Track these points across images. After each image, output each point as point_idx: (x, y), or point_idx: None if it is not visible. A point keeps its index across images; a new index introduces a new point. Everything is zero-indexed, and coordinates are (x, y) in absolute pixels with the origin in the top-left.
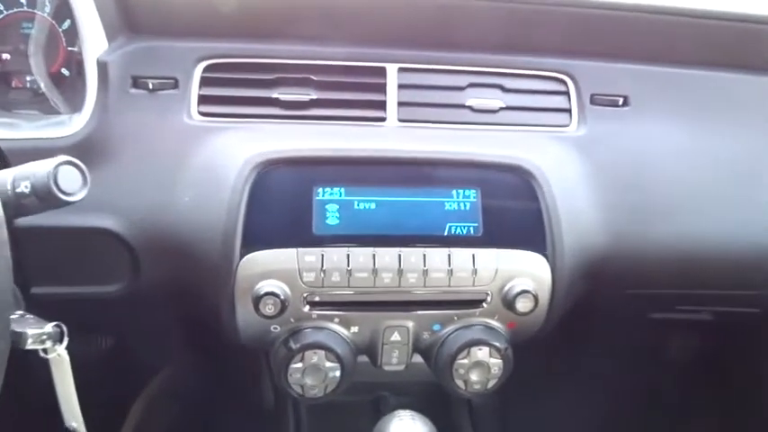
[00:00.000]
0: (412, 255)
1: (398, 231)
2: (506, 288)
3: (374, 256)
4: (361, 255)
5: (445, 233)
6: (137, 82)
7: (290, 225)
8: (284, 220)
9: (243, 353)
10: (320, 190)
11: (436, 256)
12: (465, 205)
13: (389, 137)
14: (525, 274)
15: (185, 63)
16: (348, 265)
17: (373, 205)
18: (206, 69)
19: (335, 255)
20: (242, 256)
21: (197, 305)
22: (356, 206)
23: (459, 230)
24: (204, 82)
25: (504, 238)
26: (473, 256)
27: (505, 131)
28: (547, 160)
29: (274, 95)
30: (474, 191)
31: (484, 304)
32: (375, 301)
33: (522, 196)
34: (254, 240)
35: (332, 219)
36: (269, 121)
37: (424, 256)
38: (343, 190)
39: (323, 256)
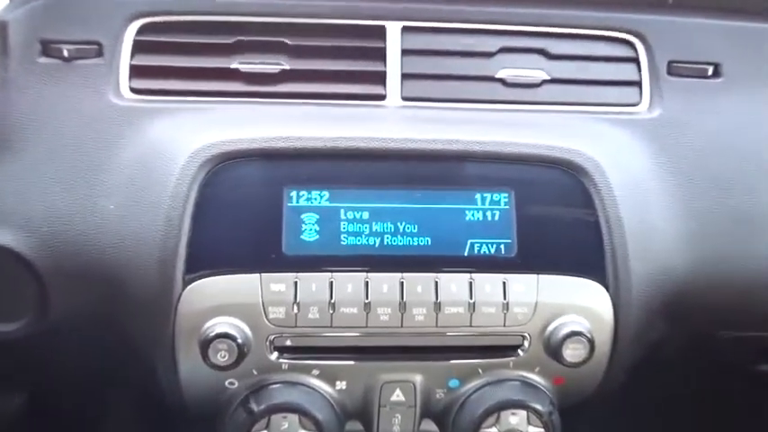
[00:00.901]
0: (419, 282)
1: (401, 250)
2: (550, 329)
3: (367, 283)
4: (350, 282)
5: (465, 253)
6: (47, 48)
7: (252, 242)
8: (244, 234)
9: (188, 420)
10: (294, 194)
11: (453, 284)
12: (493, 214)
13: (389, 121)
14: (576, 309)
15: (112, 22)
16: (331, 297)
17: (366, 214)
18: (140, 31)
19: (314, 282)
20: (186, 284)
21: (125, 351)
22: (343, 215)
23: (484, 249)
24: (138, 48)
25: (546, 259)
26: (504, 283)
27: (549, 113)
28: (607, 152)
29: (233, 66)
30: (505, 195)
31: (520, 351)
32: (369, 346)
33: (571, 202)
34: (202, 263)
35: (309, 233)
36: (225, 100)
37: (436, 283)
38: (325, 194)
39: (296, 283)
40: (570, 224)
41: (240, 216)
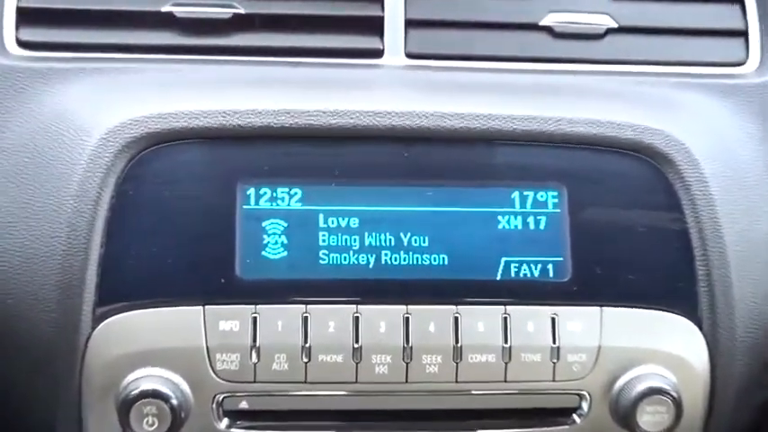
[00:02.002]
0: (431, 318)
1: (405, 272)
2: (620, 385)
3: (357, 320)
4: (332, 319)
5: (498, 276)
6: None
7: (193, 260)
8: (181, 249)
9: None
10: (251, 192)
11: (480, 320)
12: (537, 221)
13: (388, 87)
14: (657, 357)
15: None
16: (306, 340)
17: (355, 221)
18: None
19: (281, 318)
20: (97, 321)
21: (10, 417)
22: (322, 223)
23: (525, 271)
24: None
25: (613, 285)
26: (553, 320)
27: (616, 76)
28: (699, 133)
29: (165, 9)
30: (554, 193)
31: (576, 417)
32: (359, 410)
33: (649, 203)
34: (119, 291)
35: (274, 248)
36: (154, 58)
37: (456, 320)
38: (296, 192)
39: (256, 320)
40: (647, 235)
41: (175, 223)
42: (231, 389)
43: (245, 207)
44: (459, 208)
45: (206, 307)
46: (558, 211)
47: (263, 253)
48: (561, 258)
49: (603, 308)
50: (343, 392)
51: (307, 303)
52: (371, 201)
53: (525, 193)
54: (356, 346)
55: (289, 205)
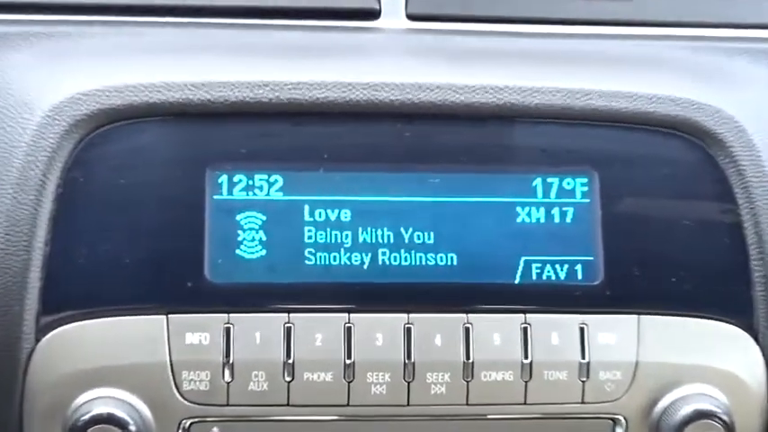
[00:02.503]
0: (438, 329)
1: (406, 274)
2: (661, 407)
3: (350, 331)
4: (320, 329)
5: (517, 278)
6: None
7: (154, 261)
8: (140, 249)
9: None
10: (223, 179)
11: (496, 331)
12: (563, 214)
13: (386, 54)
14: (705, 374)
15: None
16: (288, 355)
17: (347, 214)
18: None
19: (259, 329)
20: (41, 332)
21: None
22: (308, 216)
23: (549, 272)
24: None
25: (652, 289)
26: (582, 330)
27: (653, 41)
28: (753, 107)
29: None
30: (583, 180)
31: None
32: None
33: (695, 192)
34: (67, 298)
35: (251, 246)
36: (108, 20)
37: (468, 331)
38: (277, 179)
39: (229, 331)
40: (693, 230)
41: (133, 217)
42: (200, 413)
43: (215, 197)
44: (471, 198)
45: (170, 316)
46: (588, 201)
47: (238, 252)
48: (591, 258)
49: (642, 316)
50: (332, 417)
51: (290, 311)
52: (366, 189)
53: (549, 180)
54: (348, 361)
55: (268, 195)
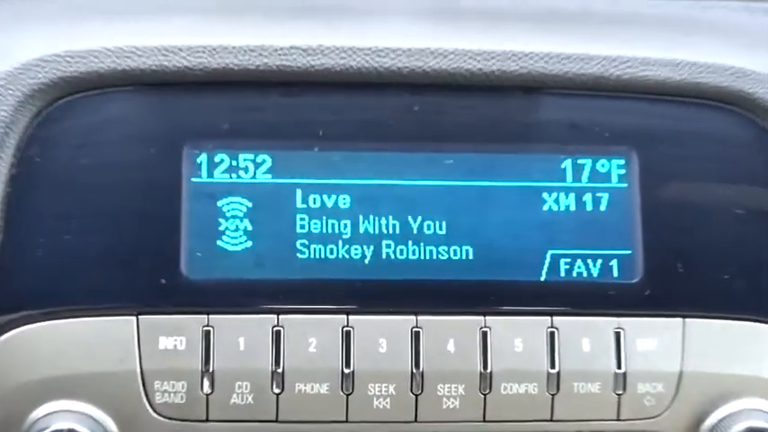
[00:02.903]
0: (451, 333)
1: (414, 270)
2: (708, 426)
3: (348, 335)
4: (315, 333)
5: (543, 275)
6: None
7: (123, 254)
8: (106, 240)
9: None
10: (203, 159)
11: (518, 336)
12: (596, 201)
13: (392, 16)
14: (758, 387)
15: None
16: (278, 362)
17: (346, 200)
18: None
19: (244, 332)
20: None
21: None
22: (301, 202)
23: (579, 268)
24: None
25: (699, 289)
26: (618, 335)
27: (703, 0)
28: None
29: None
30: (620, 161)
31: None
32: None
33: (748, 175)
34: (21, 295)
35: (234, 236)
36: None
37: (485, 336)
38: (265, 159)
39: (209, 334)
40: (746, 219)
41: (98, 203)
42: (175, 429)
43: (193, 180)
44: (490, 182)
45: (141, 317)
46: (626, 185)
47: (220, 243)
48: (629, 251)
49: (687, 319)
50: None
51: (279, 312)
52: (368, 172)
53: (580, 161)
54: (347, 371)
55: (254, 178)
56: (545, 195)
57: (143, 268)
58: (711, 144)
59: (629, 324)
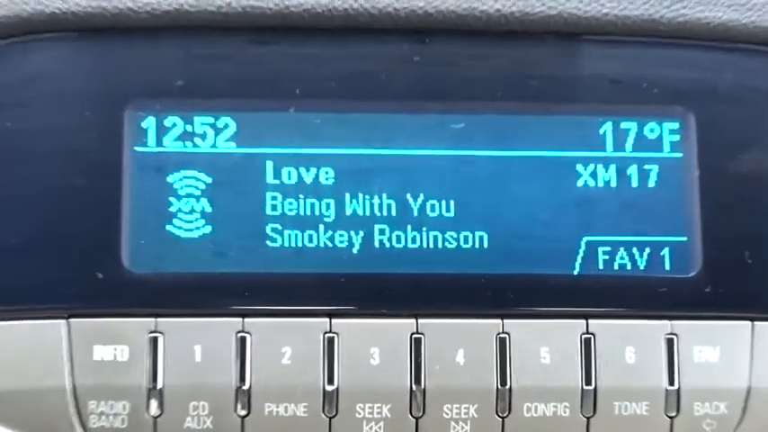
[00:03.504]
0: (459, 340)
1: (413, 262)
2: None
3: (331, 343)
4: (290, 340)
5: (576, 268)
6: None
7: (49, 242)
8: (28, 225)
9: None
10: (149, 123)
11: (544, 344)
12: (642, 174)
13: None
14: None
15: None
16: (242, 379)
17: (329, 174)
18: None
19: (200, 339)
20: None
21: None
22: (272, 177)
23: (622, 259)
24: None
25: None
26: (670, 342)
27: None
28: None
29: None
30: (673, 125)
31: None
32: None
33: None
34: None
35: (188, 219)
36: None
37: (503, 343)
38: (227, 123)
39: (156, 342)
40: None
41: (20, 178)
42: None
43: (138, 150)
44: (509, 151)
45: (72, 320)
46: (680, 155)
47: (170, 228)
48: (684, 238)
49: (757, 323)
50: None
51: (245, 315)
52: (357, 138)
53: (624, 125)
54: (330, 388)
55: (214, 146)
56: (579, 168)
57: (75, 260)
58: None
59: (685, 328)
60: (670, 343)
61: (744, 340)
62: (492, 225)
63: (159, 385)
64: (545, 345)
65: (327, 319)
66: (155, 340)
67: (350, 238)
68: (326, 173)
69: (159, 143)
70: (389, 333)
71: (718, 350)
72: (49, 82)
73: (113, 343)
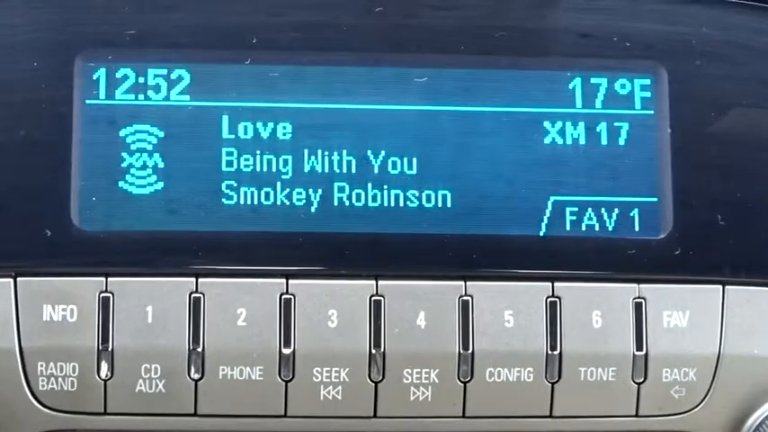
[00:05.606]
0: (421, 302)
1: (374, 221)
2: (755, 420)
3: (288, 305)
4: (244, 301)
5: (542, 228)
6: None
7: None
8: None
9: None
10: (100, 75)
11: (508, 306)
12: (612, 131)
13: None
14: None
15: None
16: (196, 340)
17: (287, 129)
18: None
19: (152, 299)
20: None
21: None
22: (228, 131)
23: (590, 220)
24: None
25: (745, 248)
26: (638, 306)
27: None
28: None
29: None
30: (644, 80)
31: None
32: None
33: None
34: None
35: (140, 175)
36: None
37: (465, 306)
38: (181, 75)
39: (108, 302)
40: None
41: None
42: (63, 424)
43: (89, 102)
44: (474, 107)
45: (19, 279)
46: (651, 112)
47: (122, 184)
48: (655, 198)
49: (728, 287)
50: None
51: (198, 275)
52: (315, 92)
53: (594, 80)
54: (286, 351)
55: (167, 99)
56: (546, 124)
57: (22, 217)
58: (765, 60)
59: (653, 292)
60: (638, 307)
61: (714, 305)
62: (456, 183)
63: (110, 347)
64: (509, 308)
65: (284, 280)
66: (105, 300)
67: (308, 195)
68: (284, 127)
69: (110, 95)
70: (348, 294)
71: (688, 315)
72: None
73: (62, 303)
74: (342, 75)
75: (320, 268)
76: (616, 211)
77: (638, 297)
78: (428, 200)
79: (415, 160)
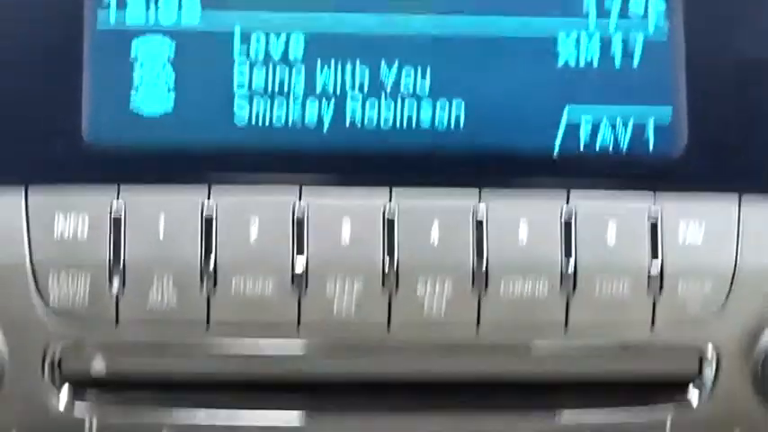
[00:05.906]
0: (435, 213)
1: (386, 136)
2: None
3: (301, 216)
4: (256, 213)
5: (558, 141)
6: None
7: (8, 112)
8: None
9: None
10: None
11: (522, 217)
12: (627, 45)
13: None
14: None
15: None
16: (207, 253)
17: (299, 44)
18: None
19: (164, 210)
20: None
21: None
22: (239, 47)
23: (605, 132)
24: None
25: (762, 158)
26: (655, 217)
27: None
28: None
29: None
30: None
31: (692, 393)
32: (306, 381)
33: None
34: None
35: (152, 92)
36: None
37: (477, 218)
38: None
39: (121, 213)
40: None
41: None
42: (75, 335)
43: (100, 15)
44: (491, 16)
45: (30, 192)
46: (666, 25)
47: (134, 102)
48: (669, 110)
49: (745, 195)
50: (275, 350)
51: (210, 188)
52: (329, 4)
53: None
54: (299, 262)
55: (179, 21)
56: (561, 40)
57: (34, 130)
58: None
59: (669, 203)
60: (654, 219)
61: (730, 216)
62: (469, 96)
63: (121, 259)
64: (523, 218)
65: (298, 191)
66: (117, 213)
67: (320, 110)
68: (296, 41)
69: (122, 19)
70: (362, 206)
71: (704, 225)
72: None
73: (73, 216)
74: None
75: (333, 180)
76: (631, 122)
77: (654, 207)
78: (442, 112)
79: (428, 72)
